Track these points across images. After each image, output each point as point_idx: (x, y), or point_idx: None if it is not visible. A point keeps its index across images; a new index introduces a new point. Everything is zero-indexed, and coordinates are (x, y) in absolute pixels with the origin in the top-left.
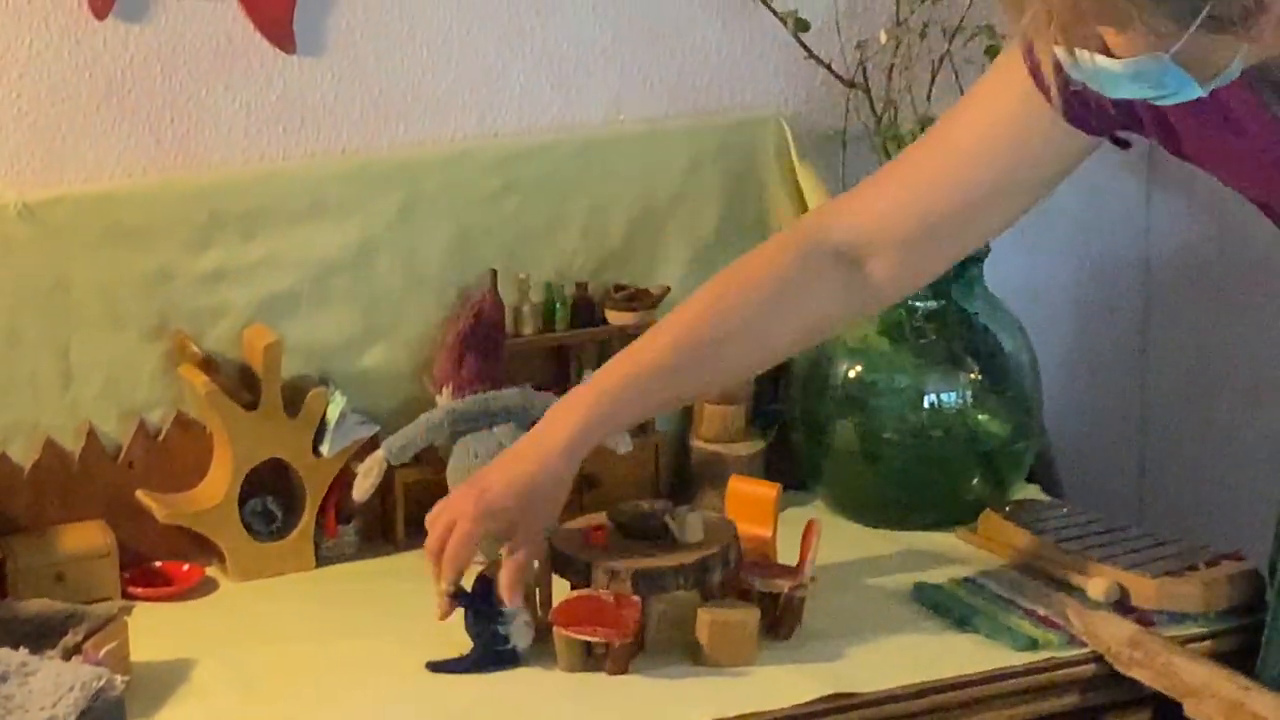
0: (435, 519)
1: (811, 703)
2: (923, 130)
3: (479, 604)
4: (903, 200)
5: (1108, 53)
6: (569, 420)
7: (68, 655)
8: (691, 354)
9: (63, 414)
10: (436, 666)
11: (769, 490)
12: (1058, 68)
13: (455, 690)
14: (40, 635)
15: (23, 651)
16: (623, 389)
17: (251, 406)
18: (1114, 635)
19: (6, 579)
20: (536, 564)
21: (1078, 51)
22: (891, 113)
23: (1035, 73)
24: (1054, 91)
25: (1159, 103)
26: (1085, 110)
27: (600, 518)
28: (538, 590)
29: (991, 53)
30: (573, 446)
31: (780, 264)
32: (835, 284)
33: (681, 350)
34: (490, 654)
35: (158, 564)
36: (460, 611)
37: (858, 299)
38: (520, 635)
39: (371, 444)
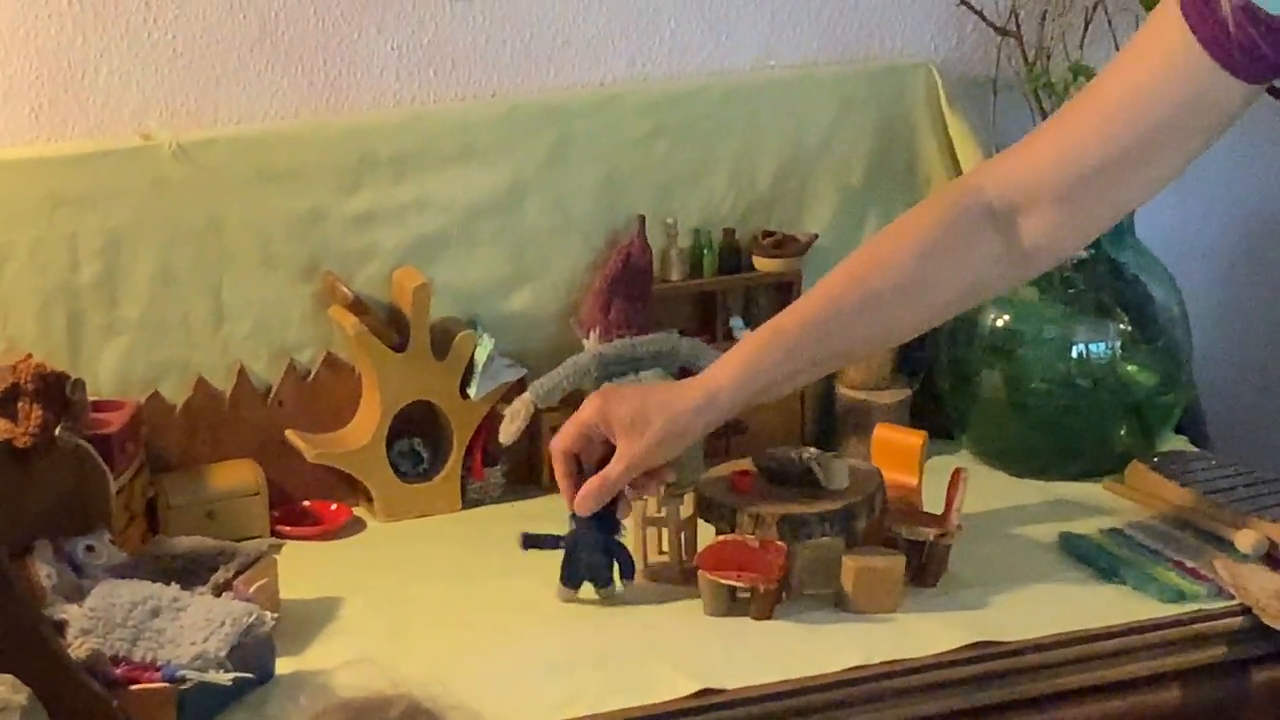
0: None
1: (956, 650)
2: (1075, 78)
3: (583, 526)
4: (1055, 154)
5: None
6: (710, 375)
7: (218, 591)
8: (841, 314)
9: (214, 353)
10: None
11: (915, 438)
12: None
13: (600, 631)
14: (191, 571)
15: (174, 587)
16: (770, 347)
17: (400, 348)
18: (1262, 588)
19: (158, 516)
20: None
21: None
22: (1043, 60)
23: (1190, 18)
24: (1210, 35)
25: None
26: (1245, 57)
27: (746, 463)
28: (682, 535)
29: (1147, 1)
30: (709, 399)
31: (932, 223)
32: (991, 244)
33: (831, 309)
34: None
35: (306, 503)
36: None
37: (1015, 260)
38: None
39: (519, 387)
